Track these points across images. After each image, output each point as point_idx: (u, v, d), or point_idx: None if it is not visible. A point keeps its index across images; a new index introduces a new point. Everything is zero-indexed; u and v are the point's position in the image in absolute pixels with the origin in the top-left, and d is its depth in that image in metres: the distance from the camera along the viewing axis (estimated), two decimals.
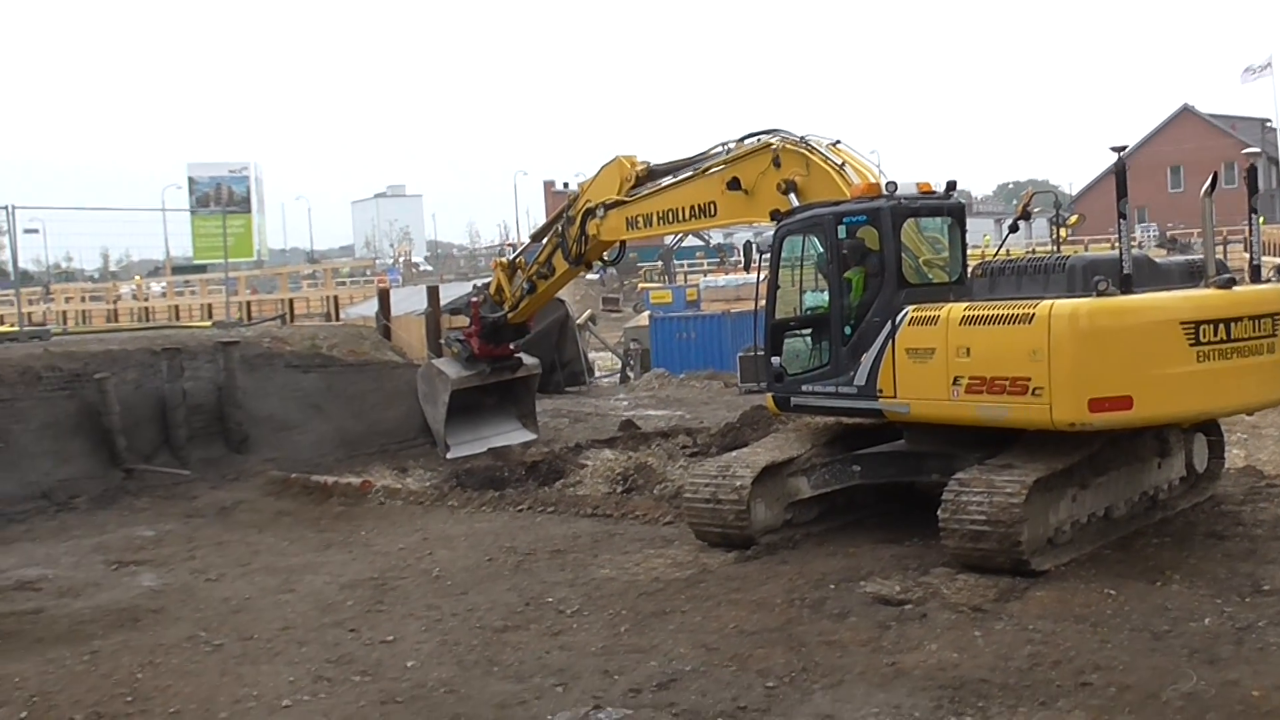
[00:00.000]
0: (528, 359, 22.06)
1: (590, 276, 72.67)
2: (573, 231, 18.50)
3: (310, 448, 20.86)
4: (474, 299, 21.63)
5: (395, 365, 23.92)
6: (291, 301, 48.80)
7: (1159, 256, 16.81)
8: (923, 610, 10.47)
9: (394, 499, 17.41)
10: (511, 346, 21.44)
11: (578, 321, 35.85)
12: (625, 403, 29.28)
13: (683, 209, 16.62)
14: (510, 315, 20.54)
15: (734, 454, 14.26)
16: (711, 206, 16.07)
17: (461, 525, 15.65)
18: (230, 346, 20.81)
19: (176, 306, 55.38)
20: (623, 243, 18.72)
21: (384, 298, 31.47)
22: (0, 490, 17.27)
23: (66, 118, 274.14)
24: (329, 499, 17.48)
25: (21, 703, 9.51)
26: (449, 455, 20.68)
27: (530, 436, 21.95)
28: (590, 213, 18.06)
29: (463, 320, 24.81)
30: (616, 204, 17.62)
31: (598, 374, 37.24)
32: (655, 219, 17.15)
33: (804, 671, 9.17)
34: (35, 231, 42.09)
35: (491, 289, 21.00)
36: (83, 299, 62.50)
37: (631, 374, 36.59)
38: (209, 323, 34.32)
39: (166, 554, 14.78)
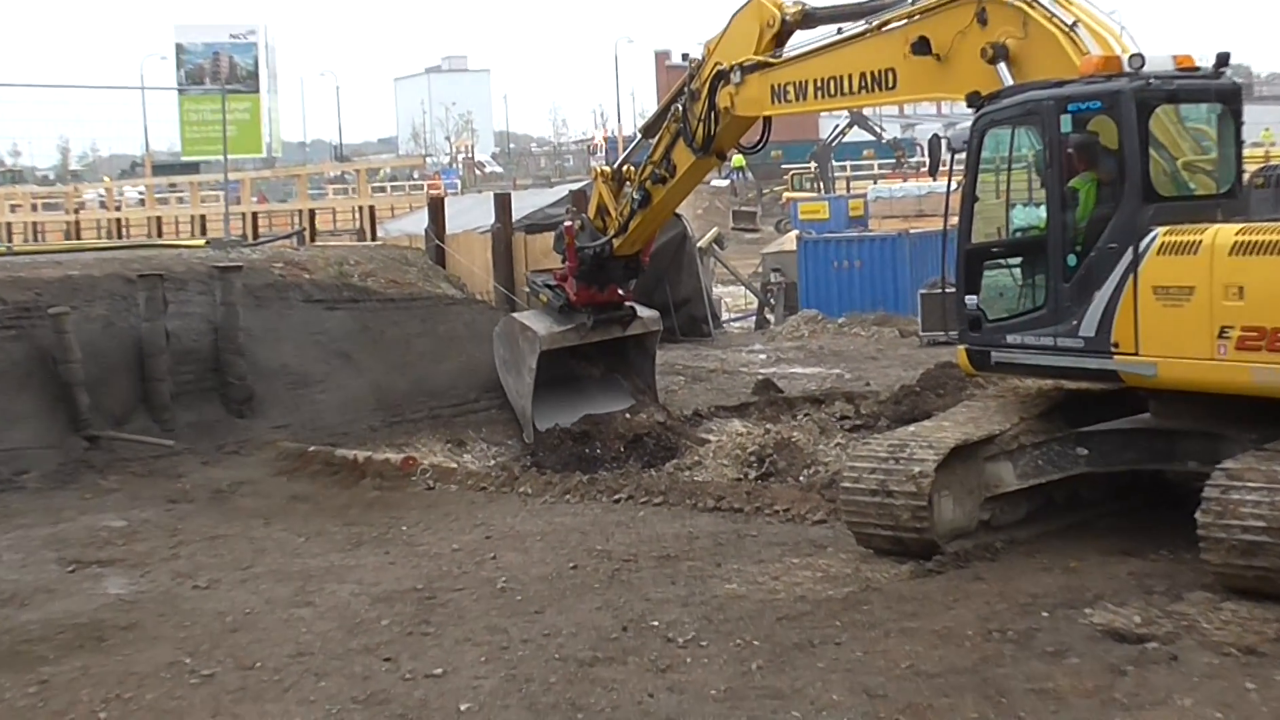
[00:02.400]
0: (644, 311, 21.70)
1: (717, 182, 72.51)
2: (698, 108, 18.40)
3: (336, 411, 21.18)
4: (567, 223, 21.35)
5: (451, 301, 24.13)
6: (313, 213, 49.28)
7: None
8: (1173, 650, 10.34)
9: (446, 482, 17.61)
10: (621, 291, 21.25)
11: (699, 245, 35.50)
12: (762, 356, 29.36)
13: (849, 77, 16.36)
14: (617, 242, 20.37)
15: (911, 429, 14.21)
16: (889, 76, 15.85)
17: (537, 519, 15.77)
18: (230, 274, 21.12)
19: (159, 218, 56.16)
20: (766, 123, 18.55)
21: (437, 209, 31.74)
22: None
23: None
24: (360, 481, 17.77)
25: None
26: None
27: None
28: (722, 77, 17.93)
29: (546, 240, 24.78)
30: (758, 65, 17.45)
31: (725, 316, 37.28)
32: (811, 89, 16.89)
33: None
34: None
35: (590, 209, 20.92)
36: (34, 207, 63.65)
37: (771, 316, 36.64)
38: (202, 241, 34.82)
39: (142, 551, 15.08)
